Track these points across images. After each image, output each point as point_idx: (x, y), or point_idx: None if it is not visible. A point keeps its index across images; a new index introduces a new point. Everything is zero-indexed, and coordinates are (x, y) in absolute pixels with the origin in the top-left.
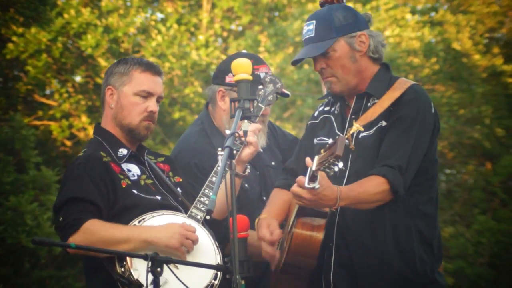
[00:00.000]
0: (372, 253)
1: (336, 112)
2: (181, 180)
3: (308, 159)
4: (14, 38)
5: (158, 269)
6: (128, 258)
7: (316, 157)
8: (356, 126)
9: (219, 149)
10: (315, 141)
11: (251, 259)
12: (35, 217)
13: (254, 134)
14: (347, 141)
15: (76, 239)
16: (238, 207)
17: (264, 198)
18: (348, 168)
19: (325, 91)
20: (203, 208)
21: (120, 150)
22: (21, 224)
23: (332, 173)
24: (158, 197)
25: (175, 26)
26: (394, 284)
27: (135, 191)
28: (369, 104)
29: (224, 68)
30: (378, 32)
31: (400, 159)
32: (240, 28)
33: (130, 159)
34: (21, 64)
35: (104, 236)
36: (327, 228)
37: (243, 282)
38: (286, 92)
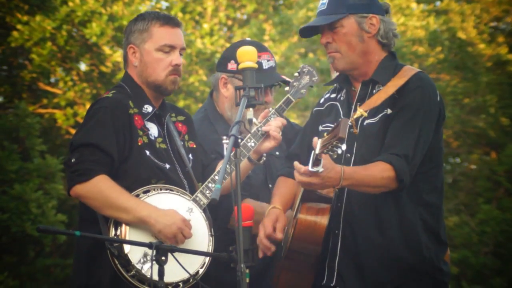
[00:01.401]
0: (378, 241)
1: (342, 98)
2: (194, 145)
3: (315, 139)
4: (19, 26)
5: (163, 258)
6: (124, 226)
7: (319, 140)
8: (360, 111)
9: (224, 137)
10: (321, 128)
11: (256, 248)
12: (40, 205)
13: (279, 130)
14: (350, 123)
15: (82, 188)
16: (241, 193)
17: (270, 186)
18: (353, 155)
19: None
20: (208, 194)
21: (146, 106)
22: (26, 212)
23: (335, 156)
24: (167, 165)
25: (180, 14)
26: (400, 272)
27: (147, 152)
28: (374, 91)
29: (227, 55)
30: (392, 21)
31: (406, 148)
32: (245, 17)
33: (152, 118)
34: (26, 52)
35: (109, 197)
36: (332, 214)
37: (247, 270)
38: (288, 79)
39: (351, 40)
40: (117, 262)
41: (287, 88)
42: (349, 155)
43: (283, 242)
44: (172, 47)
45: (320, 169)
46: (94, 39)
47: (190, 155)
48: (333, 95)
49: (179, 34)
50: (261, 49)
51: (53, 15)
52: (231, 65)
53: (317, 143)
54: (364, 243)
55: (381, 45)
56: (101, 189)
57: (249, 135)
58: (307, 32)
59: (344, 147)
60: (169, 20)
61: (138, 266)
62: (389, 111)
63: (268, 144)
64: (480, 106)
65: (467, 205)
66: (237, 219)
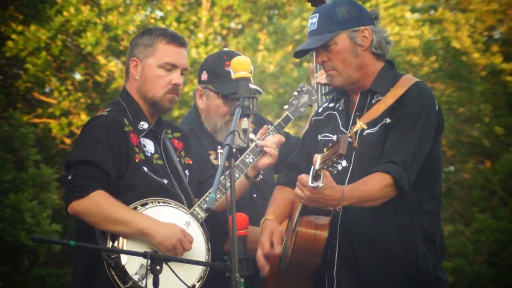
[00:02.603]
0: (376, 250)
1: (340, 108)
2: (191, 162)
3: (315, 156)
4: (14, 36)
5: (158, 267)
6: (121, 239)
7: (319, 156)
8: (360, 124)
9: (219, 147)
10: (319, 137)
11: (251, 257)
12: (35, 215)
13: (276, 146)
14: (350, 139)
15: (80, 204)
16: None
17: (255, 195)
18: (351, 165)
19: (314, 86)
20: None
21: (142, 123)
22: (21, 222)
23: (335, 172)
24: (165, 181)
25: (175, 24)
26: (397, 280)
27: (145, 168)
28: (373, 101)
29: (201, 66)
30: (383, 29)
31: (404, 154)
32: (239, 26)
33: (148, 134)
34: (21, 62)
35: (107, 212)
36: (330, 225)
37: (242, 280)
38: (256, 87)
39: (345, 56)
40: (113, 274)
41: (286, 106)
42: (347, 165)
43: (282, 253)
44: (174, 66)
45: (319, 184)
46: (89, 48)
47: (186, 171)
48: (331, 105)
49: (183, 54)
50: (230, 57)
51: (47, 25)
52: (204, 76)
53: (317, 158)
54: (361, 252)
55: (376, 55)
56: (98, 204)
57: (248, 151)
58: (301, 53)
59: (344, 163)
60: (175, 39)
61: (135, 278)
62: (388, 120)
63: (266, 161)
64: (475, 115)
65: (462, 214)
66: (231, 227)
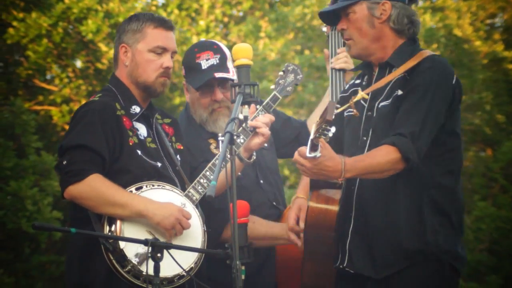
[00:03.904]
0: (384, 223)
1: (364, 83)
2: (182, 147)
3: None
4: (15, 23)
5: (159, 255)
6: (119, 222)
7: (314, 125)
8: (361, 94)
9: (220, 134)
10: (345, 113)
11: (251, 245)
12: (35, 202)
13: (267, 126)
14: (338, 105)
15: (76, 188)
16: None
17: (262, 181)
18: (369, 138)
19: (329, 74)
20: (200, 190)
21: (133, 107)
22: (22, 209)
23: (328, 139)
24: (159, 164)
25: (176, 11)
26: (404, 252)
27: (139, 152)
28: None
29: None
30: (411, 9)
31: (412, 126)
32: (241, 14)
33: (140, 118)
34: (22, 49)
35: (104, 195)
36: (345, 198)
37: (243, 267)
38: (226, 76)
39: (361, 26)
40: (112, 258)
41: (273, 86)
42: (365, 138)
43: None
44: (164, 49)
45: (317, 154)
46: (90, 36)
47: (178, 156)
48: (357, 81)
49: (172, 38)
50: (201, 48)
51: (49, 12)
52: (183, 71)
53: (312, 128)
54: (372, 225)
55: (395, 31)
56: (95, 187)
57: (238, 131)
58: (327, 19)
59: (333, 129)
60: (163, 23)
61: (134, 261)
62: (399, 92)
63: (258, 140)
64: (476, 103)
65: None
66: (232, 215)
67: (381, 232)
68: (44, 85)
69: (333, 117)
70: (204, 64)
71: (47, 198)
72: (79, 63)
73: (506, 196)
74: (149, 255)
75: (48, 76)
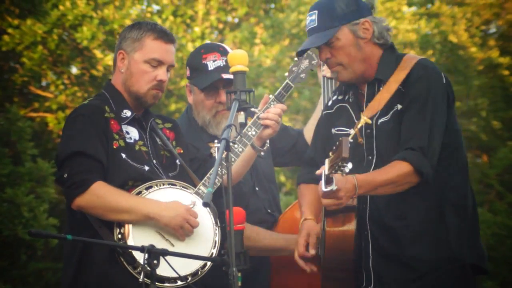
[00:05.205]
0: (408, 234)
1: (351, 100)
2: (182, 151)
3: (325, 162)
4: (10, 30)
5: (155, 261)
6: (126, 226)
7: (327, 161)
8: (364, 119)
9: (215, 141)
10: (333, 131)
11: (248, 252)
12: (32, 209)
13: (279, 117)
14: (351, 140)
15: (83, 200)
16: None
17: (257, 189)
18: (374, 157)
19: (321, 82)
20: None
21: (125, 111)
22: (18, 216)
23: (344, 174)
24: (146, 167)
25: (171, 18)
26: (432, 263)
27: (123, 155)
28: (381, 89)
29: (186, 62)
30: (381, 17)
31: (420, 139)
32: (236, 20)
33: (132, 122)
34: (17, 56)
35: (110, 202)
36: (358, 218)
37: (239, 274)
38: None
39: (350, 51)
40: (123, 260)
41: (286, 74)
42: (370, 157)
43: (319, 251)
44: (160, 62)
45: (333, 187)
46: (85, 43)
47: (177, 161)
48: (340, 97)
49: (170, 51)
50: (208, 50)
51: (44, 19)
52: (187, 72)
53: (325, 163)
54: (393, 239)
55: (378, 45)
56: (100, 195)
57: (250, 123)
58: (304, 52)
59: (350, 165)
60: (163, 35)
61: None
62: (399, 106)
63: (269, 131)
64: (472, 110)
65: None
66: (228, 221)
67: (403, 246)
68: (39, 92)
69: (348, 154)
70: (211, 65)
71: (43, 205)
72: (74, 70)
73: (502, 202)
74: (146, 262)
75: (44, 83)
